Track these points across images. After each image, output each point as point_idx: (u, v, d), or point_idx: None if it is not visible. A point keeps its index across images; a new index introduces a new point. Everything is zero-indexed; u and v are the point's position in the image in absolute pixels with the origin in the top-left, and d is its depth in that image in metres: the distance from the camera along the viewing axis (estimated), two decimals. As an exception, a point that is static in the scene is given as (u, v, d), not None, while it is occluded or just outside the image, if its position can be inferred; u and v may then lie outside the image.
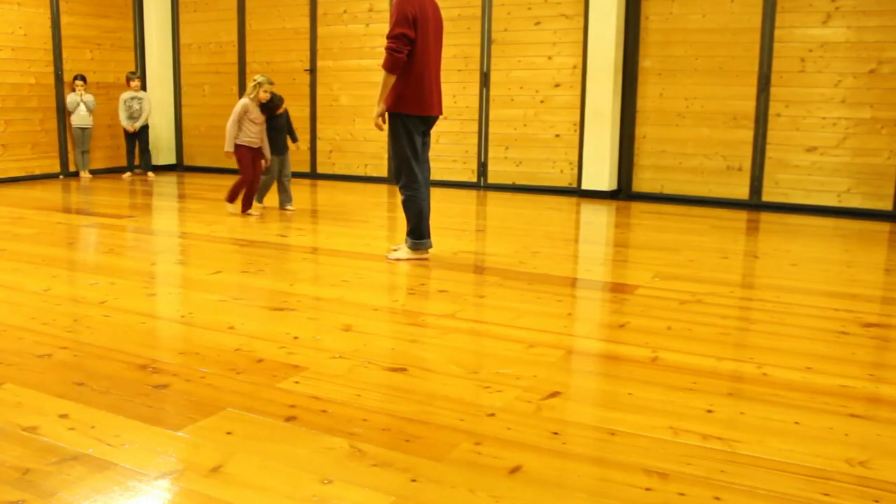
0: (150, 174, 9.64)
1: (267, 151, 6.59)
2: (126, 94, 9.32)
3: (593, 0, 7.63)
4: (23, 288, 4.07)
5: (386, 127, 4.77)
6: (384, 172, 9.06)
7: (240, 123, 6.38)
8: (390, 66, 4.52)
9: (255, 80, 6.44)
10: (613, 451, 2.25)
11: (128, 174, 9.46)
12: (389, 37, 4.50)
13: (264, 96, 6.42)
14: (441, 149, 8.63)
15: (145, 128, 9.54)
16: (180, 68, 10.32)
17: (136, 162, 9.57)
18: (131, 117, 9.34)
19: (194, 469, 2.10)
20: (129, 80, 9.33)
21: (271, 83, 6.48)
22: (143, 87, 9.83)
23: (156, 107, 9.95)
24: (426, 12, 4.58)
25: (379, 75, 4.68)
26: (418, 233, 4.77)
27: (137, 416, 2.44)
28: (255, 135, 6.43)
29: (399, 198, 4.87)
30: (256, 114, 6.42)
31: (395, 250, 4.92)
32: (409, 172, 4.68)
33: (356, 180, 9.21)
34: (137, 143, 9.48)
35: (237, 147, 6.44)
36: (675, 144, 7.70)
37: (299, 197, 6.50)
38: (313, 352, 3.08)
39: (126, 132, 9.36)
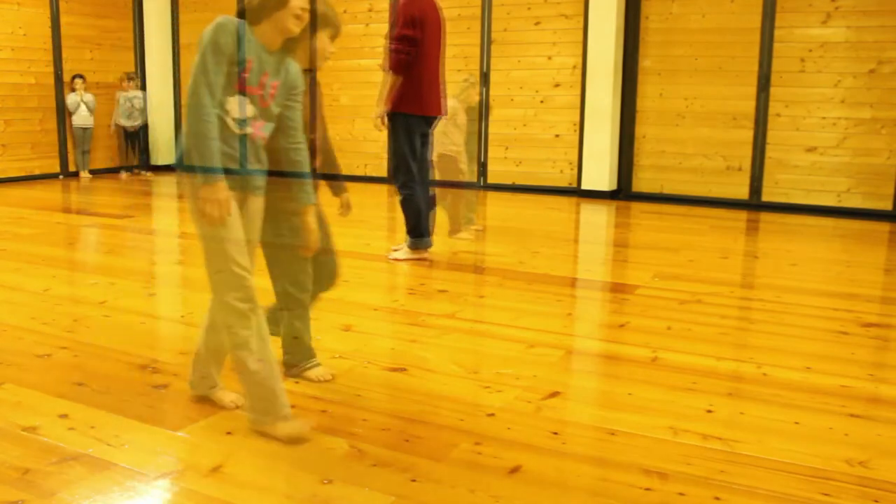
0: (149, 174, 9.63)
1: (464, 162, 5.49)
2: (124, 94, 9.32)
3: (593, 0, 7.63)
4: (23, 288, 4.06)
5: (385, 127, 4.77)
6: (384, 172, 9.05)
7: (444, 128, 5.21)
8: (395, 67, 4.53)
9: (466, 80, 5.34)
10: (613, 451, 2.25)
11: (125, 173, 9.46)
12: (394, 38, 4.52)
13: (476, 99, 5.37)
14: (441, 149, 8.62)
15: (144, 127, 9.54)
16: (180, 68, 10.31)
17: (136, 161, 9.57)
18: (129, 116, 9.35)
19: (194, 469, 2.10)
20: (128, 79, 9.33)
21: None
22: (143, 87, 9.83)
23: (155, 107, 9.95)
24: (427, 13, 4.60)
25: (379, 75, 4.68)
26: (417, 231, 4.77)
27: (137, 416, 2.43)
28: (459, 143, 5.35)
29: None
30: (463, 118, 5.35)
31: (395, 250, 4.92)
32: (406, 172, 4.69)
33: (356, 180, 9.20)
34: (137, 143, 9.48)
35: (441, 156, 5.32)
36: (674, 144, 7.69)
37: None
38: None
39: (125, 132, 9.36)
